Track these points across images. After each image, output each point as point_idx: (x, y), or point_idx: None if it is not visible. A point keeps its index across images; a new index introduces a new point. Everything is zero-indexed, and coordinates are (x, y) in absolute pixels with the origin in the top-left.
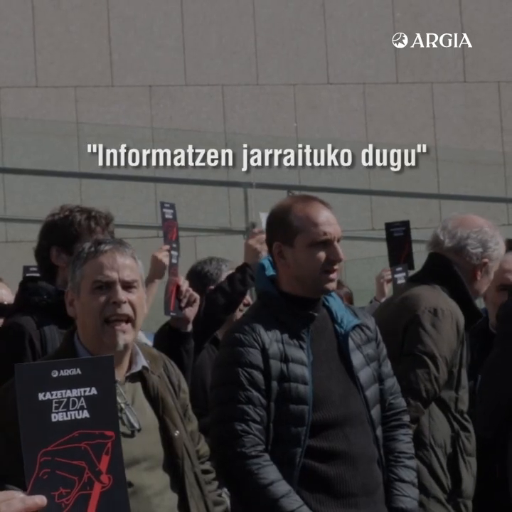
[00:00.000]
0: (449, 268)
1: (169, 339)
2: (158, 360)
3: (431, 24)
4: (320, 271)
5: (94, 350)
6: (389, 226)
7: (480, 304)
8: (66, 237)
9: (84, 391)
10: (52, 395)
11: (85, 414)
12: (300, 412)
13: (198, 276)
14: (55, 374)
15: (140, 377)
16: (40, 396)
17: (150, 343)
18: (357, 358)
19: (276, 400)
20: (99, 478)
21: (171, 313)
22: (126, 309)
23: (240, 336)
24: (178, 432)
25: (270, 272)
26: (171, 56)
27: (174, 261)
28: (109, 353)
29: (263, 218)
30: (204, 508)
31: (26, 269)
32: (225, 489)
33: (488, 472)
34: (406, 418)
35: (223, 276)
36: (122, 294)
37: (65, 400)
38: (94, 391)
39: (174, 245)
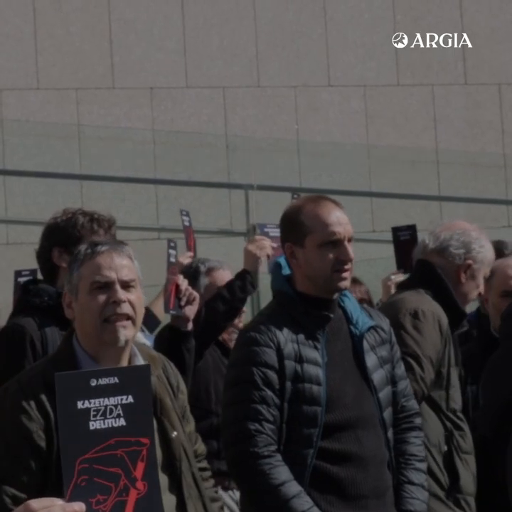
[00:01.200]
0: (432, 271)
1: (170, 338)
2: (157, 361)
3: (431, 26)
4: (331, 271)
5: (93, 352)
6: (396, 230)
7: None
8: (68, 238)
9: (121, 399)
10: (90, 403)
11: (122, 422)
12: (313, 413)
13: None
14: (93, 383)
15: None
16: (79, 404)
17: (149, 343)
18: (371, 360)
19: (289, 400)
20: (135, 485)
21: (171, 312)
22: (126, 308)
23: (255, 335)
24: (175, 433)
25: (286, 271)
26: (172, 58)
27: (173, 260)
28: (110, 352)
29: (259, 229)
30: (202, 509)
31: (18, 273)
32: (227, 493)
33: (491, 475)
34: (418, 421)
35: (202, 278)
36: (122, 294)
37: (103, 408)
38: (130, 399)
39: (172, 244)
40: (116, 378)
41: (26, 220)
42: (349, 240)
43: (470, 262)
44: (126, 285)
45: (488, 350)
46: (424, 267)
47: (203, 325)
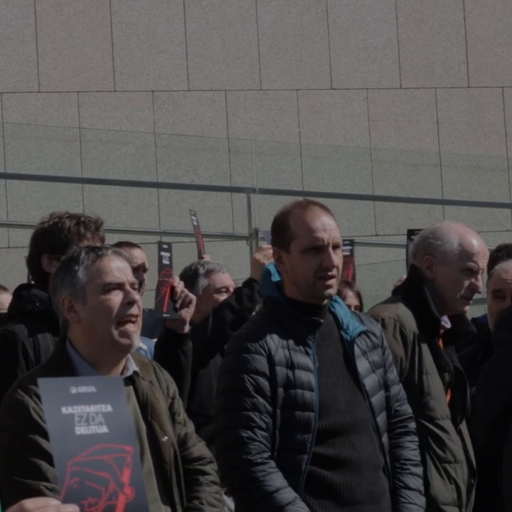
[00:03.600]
0: (408, 275)
1: (166, 341)
2: (148, 366)
3: (434, 29)
4: (314, 277)
5: (92, 357)
6: (410, 233)
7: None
8: (56, 244)
9: (101, 407)
10: (73, 409)
11: (104, 429)
12: (306, 419)
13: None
14: (73, 390)
15: (131, 382)
16: (63, 409)
17: (145, 346)
18: (362, 365)
19: (282, 407)
20: (123, 490)
21: (164, 315)
22: (137, 309)
23: (246, 343)
24: (166, 437)
25: (276, 277)
26: (174, 61)
27: (166, 262)
28: (113, 356)
29: (265, 236)
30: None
31: None
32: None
33: (489, 482)
34: (412, 425)
35: (200, 279)
36: (135, 294)
37: (85, 415)
38: (109, 408)
39: (165, 246)
40: (93, 387)
41: (28, 223)
42: (335, 247)
43: (428, 256)
44: (132, 287)
45: (488, 352)
46: (409, 272)
47: (211, 333)
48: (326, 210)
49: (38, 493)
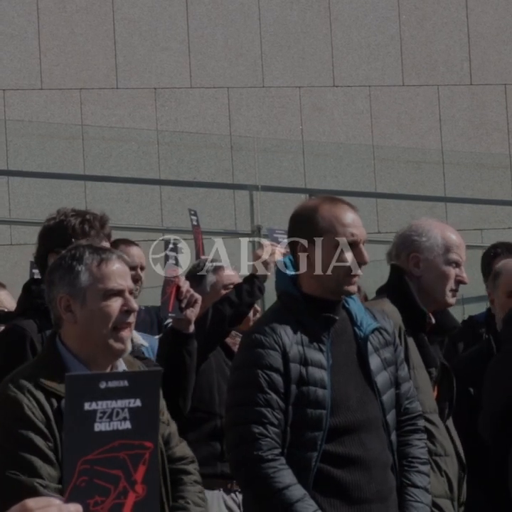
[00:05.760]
0: (390, 274)
1: (171, 341)
2: (134, 365)
3: (437, 27)
4: (344, 273)
5: (85, 356)
6: None
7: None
8: (62, 242)
9: (129, 402)
10: (97, 405)
11: (127, 425)
12: (318, 416)
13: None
14: (103, 385)
15: None
16: (86, 406)
17: (147, 343)
18: (375, 362)
19: (294, 404)
20: (134, 488)
21: (170, 314)
22: (134, 317)
23: (260, 338)
24: None
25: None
26: (176, 58)
27: (172, 262)
28: (107, 358)
29: (269, 234)
30: None
31: (33, 264)
32: (229, 496)
33: (476, 477)
34: (421, 423)
35: (208, 276)
36: (133, 303)
37: (110, 410)
38: (138, 403)
39: (172, 246)
40: (126, 381)
41: (30, 220)
42: (363, 243)
43: (414, 254)
44: (130, 293)
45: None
46: (391, 271)
47: (209, 327)
48: (352, 206)
49: (32, 489)
